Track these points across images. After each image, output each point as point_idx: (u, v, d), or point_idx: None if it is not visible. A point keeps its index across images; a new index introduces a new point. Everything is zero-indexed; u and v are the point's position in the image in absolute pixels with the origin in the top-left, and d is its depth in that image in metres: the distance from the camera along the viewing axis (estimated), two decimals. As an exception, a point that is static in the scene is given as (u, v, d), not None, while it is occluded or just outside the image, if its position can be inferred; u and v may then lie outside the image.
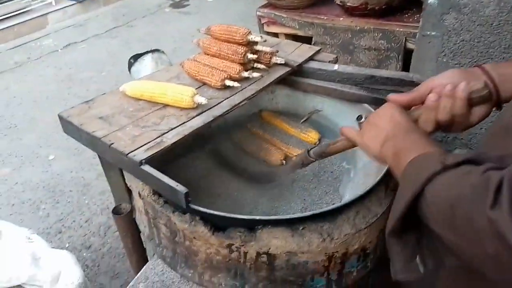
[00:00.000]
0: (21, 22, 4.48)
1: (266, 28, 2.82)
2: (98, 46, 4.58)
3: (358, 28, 2.48)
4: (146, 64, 1.53)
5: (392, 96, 0.83)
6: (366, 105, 1.28)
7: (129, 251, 1.26)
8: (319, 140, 1.38)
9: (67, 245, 2.23)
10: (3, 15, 4.37)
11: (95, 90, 3.75)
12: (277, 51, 1.29)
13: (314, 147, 1.06)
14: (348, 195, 1.19)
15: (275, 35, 2.85)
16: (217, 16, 5.20)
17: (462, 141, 1.44)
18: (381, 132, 0.76)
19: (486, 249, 0.46)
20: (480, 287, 0.61)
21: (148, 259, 1.30)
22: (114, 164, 1.07)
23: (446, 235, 0.54)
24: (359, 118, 0.87)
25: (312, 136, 1.37)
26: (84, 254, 2.20)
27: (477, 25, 1.29)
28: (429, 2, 1.36)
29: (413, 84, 1.26)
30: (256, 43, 1.25)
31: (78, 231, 2.32)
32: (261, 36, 1.23)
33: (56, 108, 3.47)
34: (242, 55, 1.23)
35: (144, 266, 1.12)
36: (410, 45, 2.34)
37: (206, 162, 1.33)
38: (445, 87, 0.76)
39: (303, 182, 1.26)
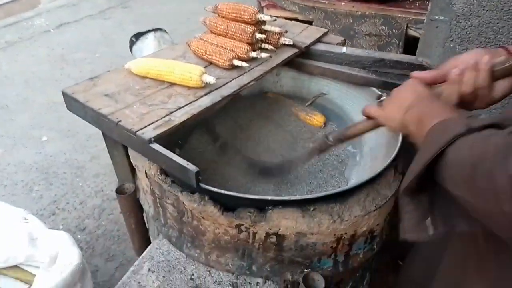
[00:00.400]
0: (13, 1, 4.36)
1: (265, 12, 2.79)
2: (91, 27, 4.49)
3: (359, 13, 2.46)
4: (149, 43, 1.49)
5: (415, 73, 0.82)
6: (374, 88, 1.27)
7: (131, 232, 1.25)
8: (325, 123, 1.37)
9: (61, 227, 2.20)
10: (-7, -7, 4.25)
11: (89, 71, 3.68)
12: (286, 32, 1.26)
13: (332, 132, 1.03)
14: (354, 179, 1.19)
15: (275, 19, 2.81)
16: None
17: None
18: (404, 101, 0.76)
19: (502, 207, 0.47)
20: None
21: (151, 239, 1.29)
22: (121, 143, 1.04)
23: (464, 195, 0.55)
24: (379, 97, 0.88)
25: (317, 119, 1.36)
26: (79, 236, 2.17)
27: (487, 10, 1.28)
28: (438, -14, 1.34)
29: (423, 68, 1.25)
30: (264, 22, 1.23)
31: (72, 213, 2.29)
32: (270, 16, 1.21)
33: (49, 89, 3.43)
34: (251, 35, 1.20)
35: (149, 246, 1.11)
36: (411, 32, 2.32)
37: (211, 146, 1.31)
38: (468, 62, 0.75)
39: (308, 166, 1.25)
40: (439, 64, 1.39)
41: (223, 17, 1.27)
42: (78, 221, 2.25)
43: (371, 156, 1.21)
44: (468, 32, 1.35)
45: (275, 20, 1.24)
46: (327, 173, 1.22)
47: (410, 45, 2.34)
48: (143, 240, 1.28)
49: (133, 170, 1.15)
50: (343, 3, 2.47)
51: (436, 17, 1.38)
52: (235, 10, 1.23)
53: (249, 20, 1.21)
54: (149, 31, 1.55)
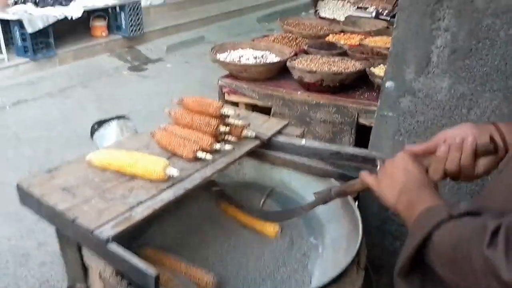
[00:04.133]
0: (-32, 78, 4.29)
1: (227, 97, 2.90)
2: (50, 105, 4.45)
3: (314, 102, 2.61)
4: (111, 131, 1.49)
5: (407, 146, 0.90)
6: (332, 180, 1.31)
7: (80, 337, 1.13)
8: (281, 230, 1.31)
9: (-2, 325, 1.98)
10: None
11: (43, 150, 3.57)
12: (249, 124, 1.31)
13: (334, 186, 1.12)
14: (317, 272, 1.18)
15: (236, 103, 2.94)
16: (175, 81, 5.29)
17: (475, 188, 1.45)
18: (396, 184, 0.84)
19: (479, 284, 0.54)
20: None
21: None
22: (76, 241, 0.99)
23: (447, 274, 0.62)
24: (375, 165, 0.98)
25: (269, 229, 1.29)
26: (18, 335, 1.95)
27: (431, 108, 1.41)
28: (386, 86, 1.47)
29: (375, 162, 1.32)
30: (228, 116, 1.27)
31: (12, 308, 2.07)
32: (234, 110, 1.26)
33: (-1, 170, 3.27)
34: (215, 127, 1.24)
35: None
36: (361, 120, 2.49)
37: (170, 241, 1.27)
38: (455, 139, 0.84)
39: (271, 259, 1.23)
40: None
41: (188, 109, 1.31)
42: (18, 317, 2.03)
43: (333, 248, 1.21)
44: (415, 128, 1.46)
45: (239, 115, 1.29)
46: (291, 267, 1.20)
47: (361, 132, 2.49)
48: None
49: (85, 269, 1.08)
50: (299, 93, 2.62)
51: (385, 113, 1.49)
52: (200, 104, 1.27)
53: (214, 113, 1.25)
54: (112, 118, 1.56)
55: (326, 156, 1.34)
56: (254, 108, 2.94)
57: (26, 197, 1.01)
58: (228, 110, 1.24)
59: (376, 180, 0.91)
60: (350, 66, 2.63)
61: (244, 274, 1.17)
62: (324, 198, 1.13)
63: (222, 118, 1.27)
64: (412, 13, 1.33)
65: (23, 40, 4.70)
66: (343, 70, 2.51)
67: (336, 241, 1.22)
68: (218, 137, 1.27)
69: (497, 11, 1.20)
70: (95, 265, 0.97)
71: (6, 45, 4.68)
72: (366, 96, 2.55)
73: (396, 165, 0.87)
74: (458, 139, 0.83)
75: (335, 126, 2.62)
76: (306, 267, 1.20)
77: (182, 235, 1.29)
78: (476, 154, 0.81)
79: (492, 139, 0.81)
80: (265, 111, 2.81)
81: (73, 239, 1.00)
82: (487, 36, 1.24)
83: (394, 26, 1.39)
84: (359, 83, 2.62)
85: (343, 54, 2.91)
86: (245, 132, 1.31)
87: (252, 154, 1.38)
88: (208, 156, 1.18)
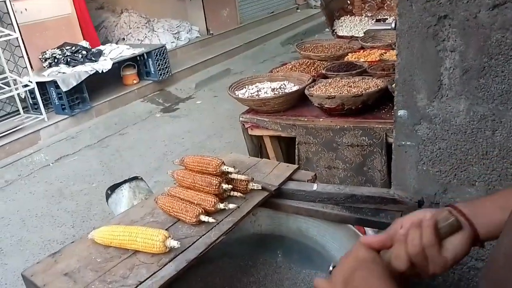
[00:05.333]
0: (14, 140, 4.57)
1: (250, 132, 2.88)
2: (89, 156, 4.63)
3: (338, 127, 2.52)
4: (124, 194, 1.50)
5: (364, 239, 0.77)
6: (350, 226, 1.22)
7: None
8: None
9: None
10: (-3, 135, 4.49)
11: (85, 203, 3.70)
12: (253, 179, 1.26)
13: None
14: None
15: (260, 137, 2.91)
16: (205, 116, 5.37)
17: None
18: (342, 275, 0.71)
19: None
20: None
21: None
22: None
23: None
24: (330, 266, 0.78)
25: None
26: None
27: (451, 133, 1.29)
28: (399, 114, 1.37)
29: (395, 201, 1.22)
30: (230, 172, 1.23)
31: None
32: (233, 167, 1.21)
33: (45, 227, 3.42)
34: (217, 187, 1.20)
35: None
36: (391, 140, 2.36)
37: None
38: (412, 221, 0.74)
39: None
40: (415, 189, 1.37)
41: (190, 170, 1.28)
42: None
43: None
44: (438, 155, 1.34)
45: (238, 171, 1.24)
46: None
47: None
48: None
49: None
50: (321, 119, 2.55)
51: (403, 143, 1.38)
52: (200, 163, 1.24)
53: (214, 172, 1.21)
54: (125, 181, 1.57)
55: (340, 200, 1.25)
56: (279, 139, 2.90)
57: (30, 287, 1.01)
58: (228, 167, 1.20)
59: (329, 282, 0.74)
60: (372, 85, 2.52)
61: None
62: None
63: (224, 175, 1.23)
64: (413, 37, 1.24)
65: (60, 98, 4.98)
66: (363, 91, 2.41)
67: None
68: (222, 195, 1.23)
69: (505, 24, 1.09)
70: None
71: (45, 105, 4.98)
72: (392, 113, 2.42)
73: (346, 258, 0.74)
74: (415, 218, 0.74)
75: (363, 149, 2.51)
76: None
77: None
78: (438, 232, 0.71)
79: (451, 213, 0.72)
80: (293, 141, 2.76)
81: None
82: (499, 52, 1.12)
83: (396, 53, 1.29)
84: (384, 100, 2.50)
85: (364, 72, 2.80)
86: (250, 185, 1.26)
87: (265, 203, 1.33)
88: (211, 220, 1.13)
